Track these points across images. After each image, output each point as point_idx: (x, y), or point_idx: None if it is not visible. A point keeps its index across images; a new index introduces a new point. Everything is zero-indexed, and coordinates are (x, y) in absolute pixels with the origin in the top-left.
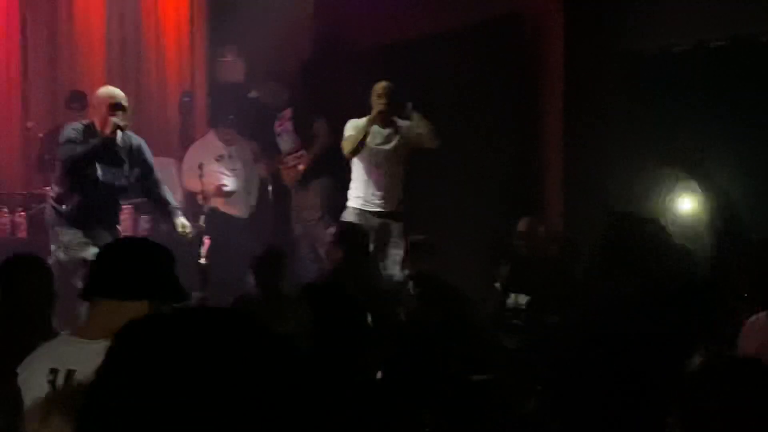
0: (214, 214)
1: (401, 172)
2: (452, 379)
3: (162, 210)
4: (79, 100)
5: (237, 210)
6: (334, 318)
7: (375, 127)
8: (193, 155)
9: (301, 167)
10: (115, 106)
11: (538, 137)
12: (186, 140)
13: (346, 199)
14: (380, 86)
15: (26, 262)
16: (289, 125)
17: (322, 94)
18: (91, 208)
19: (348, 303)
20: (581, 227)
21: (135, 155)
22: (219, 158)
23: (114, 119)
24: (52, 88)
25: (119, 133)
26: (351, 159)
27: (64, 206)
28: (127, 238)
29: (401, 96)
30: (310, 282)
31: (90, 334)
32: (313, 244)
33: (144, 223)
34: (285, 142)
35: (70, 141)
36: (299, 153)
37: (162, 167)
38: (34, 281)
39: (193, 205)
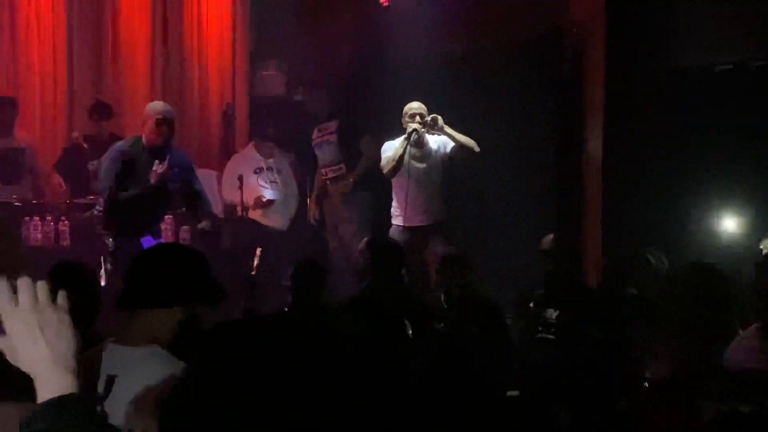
0: (253, 226)
1: (439, 187)
2: (487, 393)
3: (197, 214)
4: (101, 110)
5: (275, 222)
6: (375, 331)
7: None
8: (232, 167)
9: (351, 180)
10: (162, 121)
11: (578, 153)
12: (227, 152)
13: (383, 214)
14: (412, 106)
15: (71, 269)
16: (333, 137)
17: (366, 109)
18: (136, 217)
19: (386, 316)
20: (620, 246)
21: (178, 165)
22: (258, 170)
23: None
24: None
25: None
26: (391, 178)
27: (111, 215)
28: (158, 246)
29: (435, 110)
30: (350, 296)
31: (130, 340)
32: (349, 258)
33: (184, 233)
34: (325, 154)
35: (113, 166)
36: (339, 166)
37: (203, 179)
38: (78, 289)
39: (232, 217)
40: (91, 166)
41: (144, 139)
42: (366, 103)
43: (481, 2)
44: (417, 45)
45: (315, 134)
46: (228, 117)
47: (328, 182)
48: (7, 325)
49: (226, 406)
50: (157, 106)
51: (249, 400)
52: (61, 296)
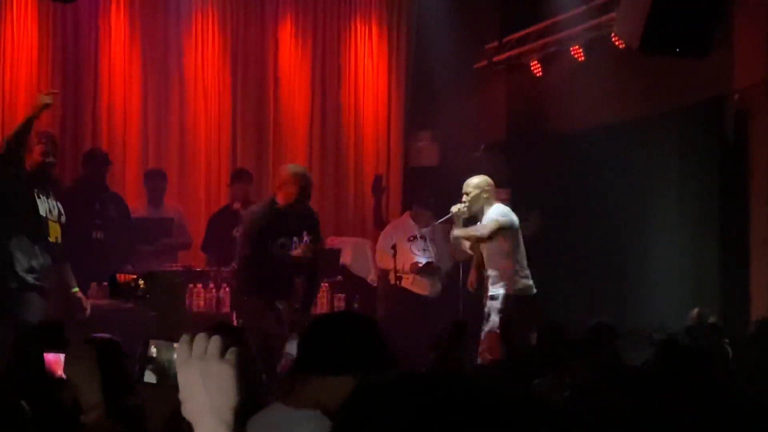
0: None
1: None
2: None
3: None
4: (241, 177)
5: (424, 290)
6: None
7: None
8: (387, 236)
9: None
10: (304, 185)
11: (744, 224)
12: (378, 221)
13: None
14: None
15: (228, 331)
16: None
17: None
18: (269, 279)
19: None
20: None
21: (309, 226)
22: (411, 238)
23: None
24: (257, 165)
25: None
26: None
27: (247, 276)
28: (333, 314)
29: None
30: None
31: (295, 402)
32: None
33: (338, 301)
34: None
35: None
36: None
37: (357, 247)
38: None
39: (385, 282)
40: (236, 232)
41: (280, 198)
42: (530, 175)
43: (638, 70)
44: (572, 114)
45: None
46: (378, 187)
47: None
48: (179, 377)
49: None
50: (298, 168)
51: None
52: (231, 352)
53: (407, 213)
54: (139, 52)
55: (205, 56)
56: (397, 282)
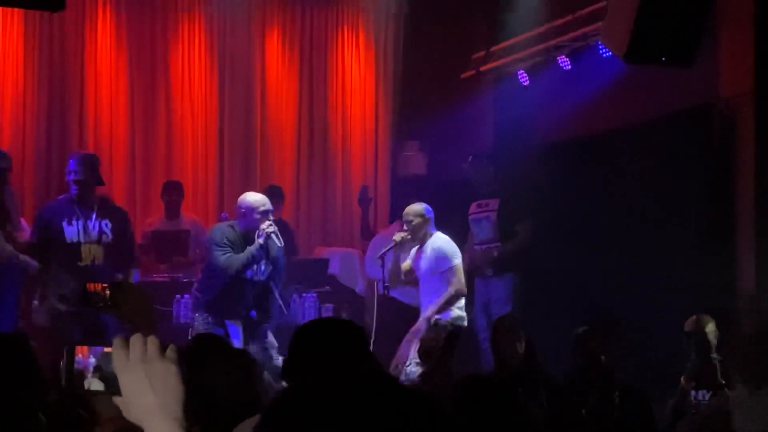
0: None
1: None
2: None
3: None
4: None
5: (413, 299)
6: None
7: None
8: (376, 246)
9: (495, 254)
10: (266, 212)
11: (730, 232)
12: (366, 232)
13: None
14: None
15: (211, 342)
16: (493, 215)
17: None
18: (227, 299)
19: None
20: None
21: (270, 253)
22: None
23: (267, 227)
24: (244, 178)
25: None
26: None
27: (203, 295)
28: (318, 321)
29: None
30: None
31: None
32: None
33: (326, 312)
34: (483, 230)
35: (220, 246)
36: (495, 245)
37: (345, 257)
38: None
39: (373, 292)
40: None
41: (240, 227)
42: (524, 185)
43: (622, 79)
44: (560, 123)
45: (473, 208)
46: (364, 198)
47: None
48: (120, 380)
49: None
50: (259, 198)
51: None
52: (171, 350)
53: (396, 223)
54: (126, 61)
55: (192, 65)
56: (386, 292)
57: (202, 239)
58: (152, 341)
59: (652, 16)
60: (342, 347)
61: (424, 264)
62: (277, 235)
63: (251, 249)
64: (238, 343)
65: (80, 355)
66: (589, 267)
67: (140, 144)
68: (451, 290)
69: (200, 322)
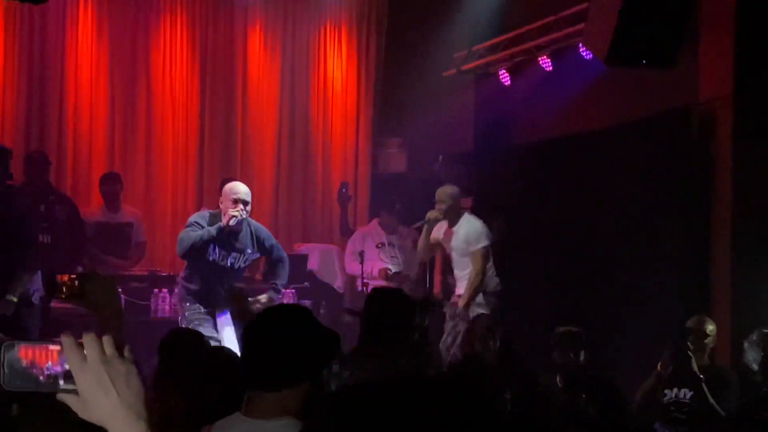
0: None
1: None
2: None
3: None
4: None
5: None
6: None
7: None
8: (355, 242)
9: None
10: (237, 201)
11: (706, 233)
12: (345, 229)
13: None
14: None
15: (186, 336)
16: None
17: (497, 189)
18: (210, 287)
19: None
20: (750, 329)
21: (256, 242)
22: (380, 245)
23: (231, 211)
24: (224, 174)
25: (235, 221)
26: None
27: (190, 284)
28: (265, 317)
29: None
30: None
31: (263, 414)
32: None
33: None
34: None
35: (190, 225)
36: None
37: (325, 253)
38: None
39: (352, 288)
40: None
41: (222, 214)
42: (496, 183)
43: (603, 81)
44: (538, 124)
45: None
46: (343, 195)
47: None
48: (77, 380)
49: None
50: (234, 186)
51: None
52: (127, 350)
53: (375, 220)
54: (107, 57)
55: (173, 61)
56: (364, 288)
57: (143, 231)
58: (107, 341)
59: (633, 19)
60: (313, 352)
61: (455, 243)
62: (239, 222)
63: (208, 228)
64: (229, 330)
65: (50, 362)
66: (566, 267)
67: (119, 139)
68: (471, 275)
69: (191, 312)
